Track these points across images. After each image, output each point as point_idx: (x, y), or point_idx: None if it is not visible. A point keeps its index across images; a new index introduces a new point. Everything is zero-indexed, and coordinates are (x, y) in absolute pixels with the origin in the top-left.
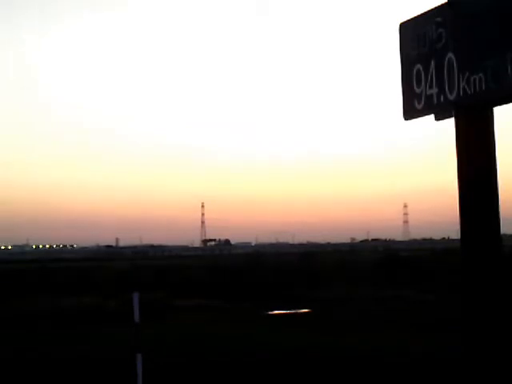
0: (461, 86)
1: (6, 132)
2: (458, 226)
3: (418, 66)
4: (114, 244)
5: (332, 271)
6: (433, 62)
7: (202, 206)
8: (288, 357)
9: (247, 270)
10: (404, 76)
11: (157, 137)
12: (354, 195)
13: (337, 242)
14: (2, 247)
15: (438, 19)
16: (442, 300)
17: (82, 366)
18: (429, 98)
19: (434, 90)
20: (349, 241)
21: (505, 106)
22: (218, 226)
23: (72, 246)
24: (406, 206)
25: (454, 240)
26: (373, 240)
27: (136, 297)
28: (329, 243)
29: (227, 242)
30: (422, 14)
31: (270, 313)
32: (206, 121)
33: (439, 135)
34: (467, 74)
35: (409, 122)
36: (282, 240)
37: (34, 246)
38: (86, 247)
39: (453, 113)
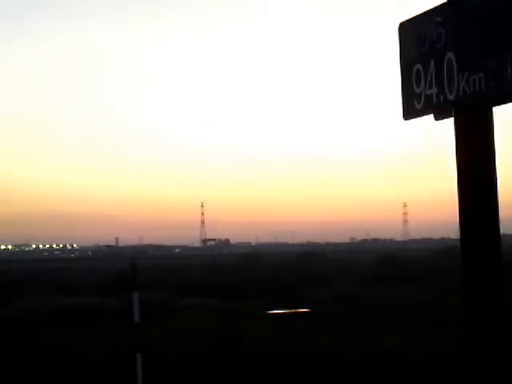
0: (460, 86)
1: (6, 132)
2: (457, 226)
3: (418, 65)
4: (113, 244)
5: (332, 271)
6: (432, 62)
7: (202, 206)
8: (288, 356)
9: (247, 270)
10: (403, 76)
11: (157, 137)
12: (354, 195)
13: (337, 242)
14: (2, 247)
15: (438, 19)
16: (442, 299)
17: (82, 366)
18: (428, 97)
19: (434, 90)
20: (349, 240)
21: (505, 106)
22: (217, 226)
23: (72, 245)
24: (405, 206)
25: (453, 240)
26: (373, 240)
27: (136, 297)
28: (328, 243)
29: (227, 241)
30: (422, 14)
31: (270, 312)
32: (205, 121)
33: (439, 135)
34: (467, 73)
35: (408, 121)
36: (281, 240)
37: (33, 246)
38: (86, 247)
39: (452, 113)
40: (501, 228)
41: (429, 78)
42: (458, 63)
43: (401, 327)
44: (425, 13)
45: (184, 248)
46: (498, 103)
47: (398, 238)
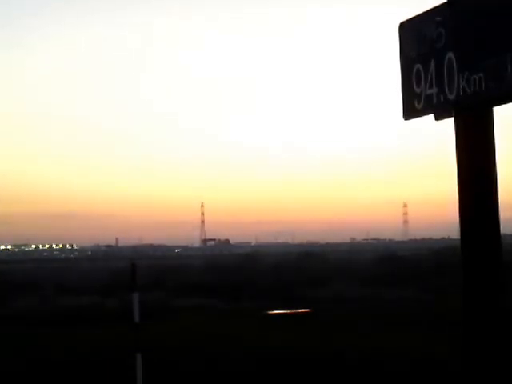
0: (460, 86)
1: (5, 133)
2: (457, 226)
3: (418, 65)
4: (113, 244)
5: (332, 271)
6: (432, 62)
7: (202, 206)
8: (288, 356)
9: (247, 270)
10: (404, 76)
11: (156, 137)
12: (354, 195)
13: (337, 242)
14: (2, 247)
15: (438, 19)
16: (441, 299)
17: (82, 366)
18: (428, 97)
19: (434, 90)
20: (349, 240)
21: (505, 105)
22: (217, 226)
23: (72, 245)
24: (405, 206)
25: (453, 240)
26: (373, 240)
27: (136, 297)
28: (328, 243)
29: (227, 241)
30: (422, 14)
31: (270, 312)
32: (205, 121)
33: (439, 135)
34: (467, 73)
35: (408, 121)
36: (281, 240)
37: (33, 246)
38: (85, 247)
39: (452, 113)
40: (501, 228)
41: (429, 78)
42: (458, 63)
43: (401, 327)
44: (425, 13)
45: (184, 248)
46: (498, 103)
47: (398, 238)
